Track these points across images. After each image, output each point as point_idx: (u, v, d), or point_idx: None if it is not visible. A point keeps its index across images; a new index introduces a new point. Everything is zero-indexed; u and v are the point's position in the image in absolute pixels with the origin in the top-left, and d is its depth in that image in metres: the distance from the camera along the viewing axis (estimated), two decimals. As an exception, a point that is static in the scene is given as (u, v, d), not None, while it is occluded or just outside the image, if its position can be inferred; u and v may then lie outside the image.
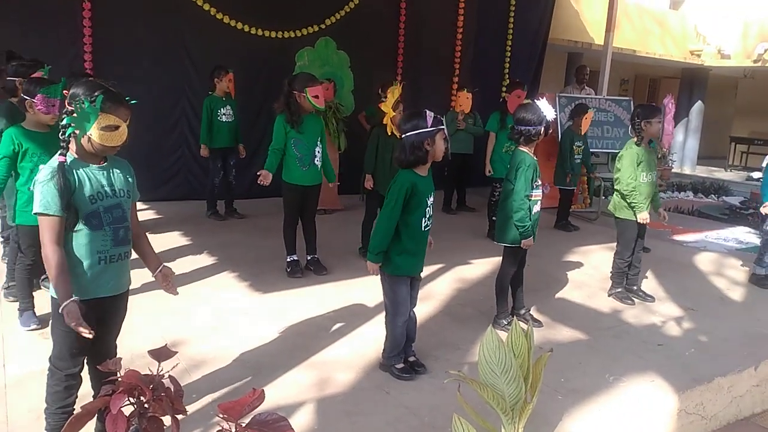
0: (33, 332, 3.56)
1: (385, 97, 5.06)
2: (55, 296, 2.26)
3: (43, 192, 2.18)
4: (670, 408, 3.25)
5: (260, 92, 7.38)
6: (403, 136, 3.13)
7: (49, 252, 2.20)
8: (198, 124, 6.82)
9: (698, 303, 4.78)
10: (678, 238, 7.08)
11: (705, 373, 3.53)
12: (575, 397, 3.18)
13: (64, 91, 2.28)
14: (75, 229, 2.25)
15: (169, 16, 6.94)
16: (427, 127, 3.06)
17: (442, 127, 3.11)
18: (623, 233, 4.68)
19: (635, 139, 4.55)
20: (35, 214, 2.20)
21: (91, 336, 2.17)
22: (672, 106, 4.75)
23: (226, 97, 6.32)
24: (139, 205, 6.83)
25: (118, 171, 2.39)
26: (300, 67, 7.58)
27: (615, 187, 4.64)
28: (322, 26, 7.88)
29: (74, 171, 2.24)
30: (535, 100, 3.94)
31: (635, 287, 4.78)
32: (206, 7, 7.08)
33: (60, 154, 2.21)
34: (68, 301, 2.17)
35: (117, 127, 2.26)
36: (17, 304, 3.72)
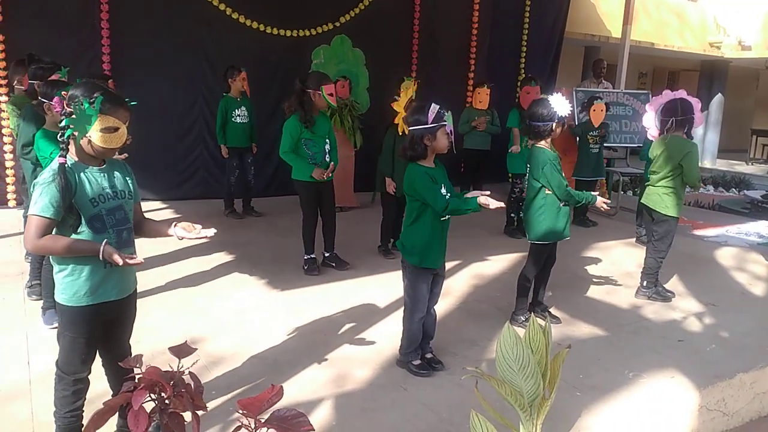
0: (55, 330, 3.61)
1: (399, 96, 5.06)
2: (61, 302, 2.28)
3: (43, 194, 2.14)
4: (690, 404, 3.22)
5: (276, 91, 7.42)
6: (409, 129, 3.15)
7: (39, 245, 2.16)
8: (215, 123, 6.87)
9: (719, 298, 4.72)
10: (698, 232, 6.99)
11: (726, 369, 3.48)
12: (594, 393, 3.16)
13: (63, 92, 2.25)
14: (78, 231, 2.22)
15: (186, 17, 7.00)
16: (427, 123, 3.07)
17: (444, 123, 3.10)
18: (671, 231, 4.56)
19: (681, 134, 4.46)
20: (31, 215, 2.15)
21: (141, 262, 2.23)
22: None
23: (241, 97, 6.35)
24: (158, 204, 7.00)
25: (118, 173, 2.38)
26: (316, 65, 7.61)
27: (666, 183, 4.45)
28: (337, 24, 7.89)
29: (75, 173, 2.21)
30: (549, 96, 3.91)
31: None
32: (222, 7, 7.13)
33: (60, 156, 2.18)
34: (100, 246, 2.17)
35: (116, 129, 2.23)
36: (40, 302, 3.79)
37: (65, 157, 2.19)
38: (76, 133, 2.21)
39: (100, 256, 2.18)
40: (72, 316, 2.30)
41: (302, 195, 4.86)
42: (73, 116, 2.18)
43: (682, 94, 4.58)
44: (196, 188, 7.38)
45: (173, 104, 7.04)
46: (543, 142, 3.84)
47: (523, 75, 9.39)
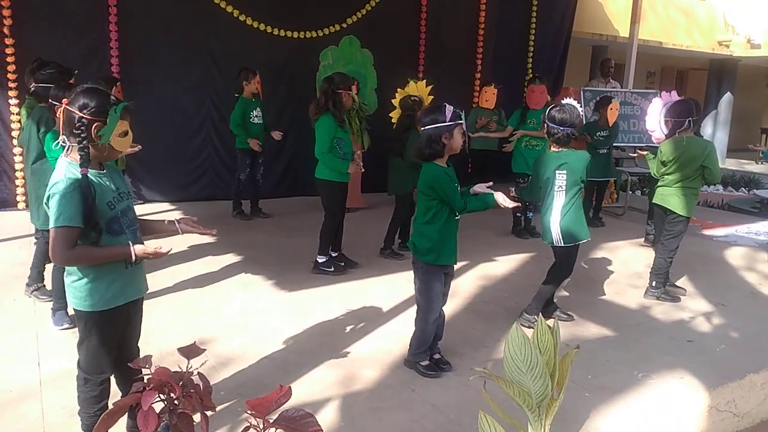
0: (65, 331, 3.64)
1: (417, 99, 5.13)
2: (85, 309, 2.29)
3: (66, 204, 2.13)
4: (700, 405, 3.20)
5: (284, 92, 7.46)
6: (422, 129, 3.15)
7: (72, 257, 2.17)
8: (223, 126, 6.91)
9: (728, 298, 4.69)
10: (708, 232, 6.94)
11: (736, 370, 3.46)
12: (603, 394, 3.15)
13: (64, 100, 2.23)
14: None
15: (194, 19, 7.04)
16: (446, 121, 3.09)
17: (461, 121, 3.13)
18: (684, 231, 4.55)
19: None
20: (57, 227, 2.13)
21: (170, 250, 2.28)
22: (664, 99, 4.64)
23: (255, 99, 6.38)
24: (166, 206, 7.04)
25: (115, 174, 2.40)
26: (324, 67, 7.63)
27: (688, 184, 4.44)
28: (344, 25, 7.90)
29: (89, 180, 2.21)
30: (569, 100, 3.90)
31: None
32: (230, 9, 7.15)
33: (81, 166, 2.17)
34: (130, 248, 2.22)
35: (127, 133, 2.28)
36: (49, 303, 3.82)
37: (87, 167, 2.18)
38: (96, 140, 2.20)
39: (133, 258, 2.23)
40: (98, 320, 2.33)
41: (332, 195, 4.86)
42: (100, 124, 2.19)
43: (674, 96, 4.62)
44: (204, 190, 7.41)
45: (181, 106, 7.07)
46: (565, 148, 3.80)
47: (531, 75, 9.37)
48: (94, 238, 2.21)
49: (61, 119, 2.21)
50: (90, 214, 2.16)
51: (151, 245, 2.29)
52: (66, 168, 2.19)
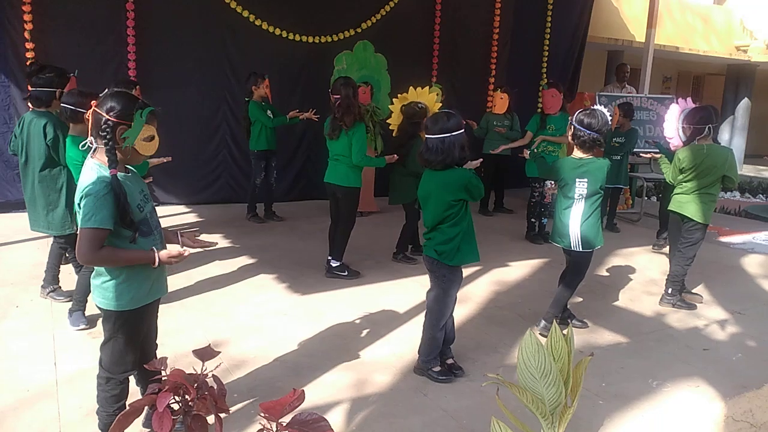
0: (82, 332, 3.68)
1: (423, 106, 5.12)
2: (115, 308, 2.32)
3: (98, 206, 2.15)
4: (716, 415, 3.16)
5: (299, 97, 7.49)
6: (449, 135, 3.12)
7: (97, 258, 2.21)
8: (239, 130, 6.97)
9: (746, 306, 4.63)
10: (724, 239, 6.87)
11: (753, 379, 3.42)
12: (617, 402, 3.12)
13: (93, 102, 2.27)
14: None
15: (210, 24, 7.10)
16: (461, 129, 3.15)
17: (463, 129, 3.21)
18: (702, 239, 4.51)
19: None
20: (88, 227, 2.15)
21: (189, 253, 2.33)
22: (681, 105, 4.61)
23: (265, 102, 6.42)
24: (182, 209, 7.10)
25: (137, 178, 2.45)
26: (338, 71, 7.66)
27: (709, 191, 4.42)
28: (359, 30, 7.93)
29: (120, 182, 2.25)
30: (596, 106, 3.88)
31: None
32: (245, 14, 7.21)
33: (111, 167, 2.21)
34: (155, 254, 2.27)
35: (153, 137, 2.32)
36: (66, 304, 3.87)
37: (116, 167, 2.22)
38: (121, 143, 2.24)
39: (156, 264, 2.28)
40: (127, 319, 2.37)
41: (355, 202, 4.95)
42: (125, 127, 2.22)
43: (690, 103, 4.58)
44: (219, 193, 7.47)
45: (197, 110, 7.13)
46: (590, 154, 3.76)
47: (545, 80, 9.34)
48: (131, 237, 2.25)
49: (90, 121, 2.26)
50: (123, 213, 2.20)
51: (174, 249, 2.34)
52: (96, 169, 2.22)
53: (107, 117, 2.21)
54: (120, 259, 2.27)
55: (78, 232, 2.21)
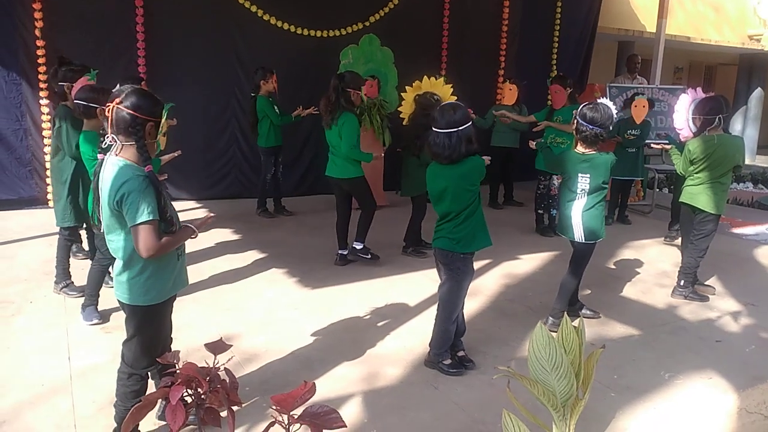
0: (95, 327, 3.72)
1: (438, 98, 5.10)
2: (143, 303, 2.34)
3: (145, 200, 2.17)
4: (729, 407, 3.14)
5: (306, 91, 7.47)
6: (461, 128, 3.10)
7: (160, 247, 2.22)
8: (248, 125, 6.99)
9: (758, 297, 4.59)
10: (737, 230, 6.81)
11: (767, 371, 3.39)
12: (629, 394, 3.11)
13: (116, 100, 2.25)
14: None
15: (218, 19, 7.11)
16: (469, 120, 3.17)
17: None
18: (715, 230, 4.48)
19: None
20: (144, 222, 2.17)
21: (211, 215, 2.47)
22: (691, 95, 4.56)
23: (272, 97, 6.42)
24: (192, 204, 7.13)
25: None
26: (344, 65, 7.64)
27: (723, 180, 4.39)
28: (366, 23, 7.91)
29: (156, 177, 2.29)
30: (600, 99, 3.85)
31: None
32: (253, 9, 7.21)
33: (145, 164, 2.23)
34: (191, 227, 2.36)
35: (166, 133, 2.39)
36: (80, 300, 3.90)
37: (150, 164, 2.25)
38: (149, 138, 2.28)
39: (197, 233, 2.36)
40: (155, 313, 2.40)
41: (365, 188, 5.00)
42: (153, 123, 2.27)
43: (701, 93, 4.54)
44: (229, 188, 7.49)
45: (206, 106, 7.15)
46: (592, 149, 3.74)
47: (555, 72, 9.27)
48: (167, 230, 2.29)
49: (110, 118, 2.24)
50: (163, 207, 2.24)
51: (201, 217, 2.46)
52: (126, 167, 2.23)
53: (136, 114, 2.22)
54: (173, 243, 2.31)
55: (132, 231, 2.20)
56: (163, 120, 2.30)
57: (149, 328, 2.41)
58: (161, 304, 2.40)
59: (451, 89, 5.51)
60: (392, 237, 5.66)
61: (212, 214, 2.45)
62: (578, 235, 3.79)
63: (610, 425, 2.85)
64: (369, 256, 5.01)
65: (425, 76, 5.47)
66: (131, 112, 2.21)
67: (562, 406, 2.19)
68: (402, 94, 5.65)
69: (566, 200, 3.82)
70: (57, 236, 4.21)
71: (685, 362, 3.48)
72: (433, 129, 3.16)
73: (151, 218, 2.18)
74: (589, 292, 4.55)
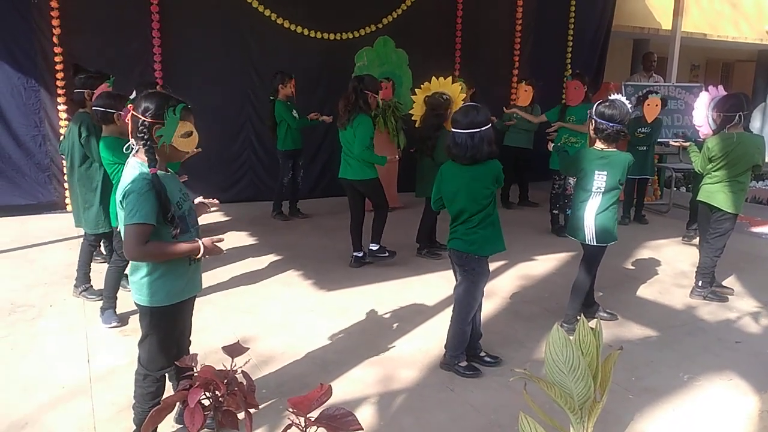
0: (113, 329, 3.76)
1: (448, 97, 5.09)
2: (152, 304, 2.36)
3: (141, 202, 2.20)
4: (749, 409, 3.10)
5: (321, 94, 7.51)
6: (480, 129, 3.11)
7: (143, 253, 2.25)
8: (263, 129, 7.03)
9: (780, 298, 4.53)
10: (756, 230, 6.72)
11: (789, 373, 3.34)
12: (648, 396, 3.08)
13: (129, 106, 2.34)
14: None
15: (233, 23, 7.16)
16: (490, 121, 3.18)
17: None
18: (732, 228, 4.43)
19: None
20: (133, 224, 2.19)
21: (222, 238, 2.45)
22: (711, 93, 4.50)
23: (290, 102, 6.46)
24: (208, 207, 7.15)
25: (175, 177, 2.50)
26: (359, 68, 7.65)
27: (741, 179, 4.34)
28: (380, 25, 7.91)
29: (159, 180, 2.30)
30: (612, 96, 3.82)
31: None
32: (267, 12, 7.26)
33: (150, 167, 2.26)
34: (199, 243, 2.34)
35: (191, 133, 2.38)
36: (98, 303, 3.95)
37: (155, 166, 2.27)
38: (157, 140, 2.29)
39: (201, 251, 2.34)
40: (165, 314, 2.42)
41: (379, 190, 5.02)
42: (159, 126, 2.28)
43: (721, 90, 4.48)
44: (245, 191, 7.54)
45: (222, 109, 7.20)
46: (613, 146, 3.71)
47: (569, 71, 9.21)
48: (173, 234, 2.30)
49: (130, 123, 2.33)
50: (166, 210, 2.25)
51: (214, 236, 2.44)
52: (138, 168, 2.28)
53: (142, 118, 2.27)
54: (166, 253, 2.31)
55: (123, 230, 2.26)
56: (174, 121, 2.29)
57: (160, 330, 2.43)
58: (172, 307, 2.41)
59: (461, 87, 5.48)
60: (406, 239, 5.66)
61: (222, 238, 2.46)
62: (589, 236, 3.75)
63: (629, 428, 2.82)
64: (387, 254, 5.03)
65: (434, 77, 5.46)
66: (137, 114, 2.28)
67: (579, 409, 2.18)
68: (413, 97, 5.65)
69: (579, 200, 3.79)
70: (75, 240, 4.27)
71: (705, 364, 3.44)
72: (454, 129, 3.17)
73: (140, 221, 2.20)
74: (606, 292, 4.51)
